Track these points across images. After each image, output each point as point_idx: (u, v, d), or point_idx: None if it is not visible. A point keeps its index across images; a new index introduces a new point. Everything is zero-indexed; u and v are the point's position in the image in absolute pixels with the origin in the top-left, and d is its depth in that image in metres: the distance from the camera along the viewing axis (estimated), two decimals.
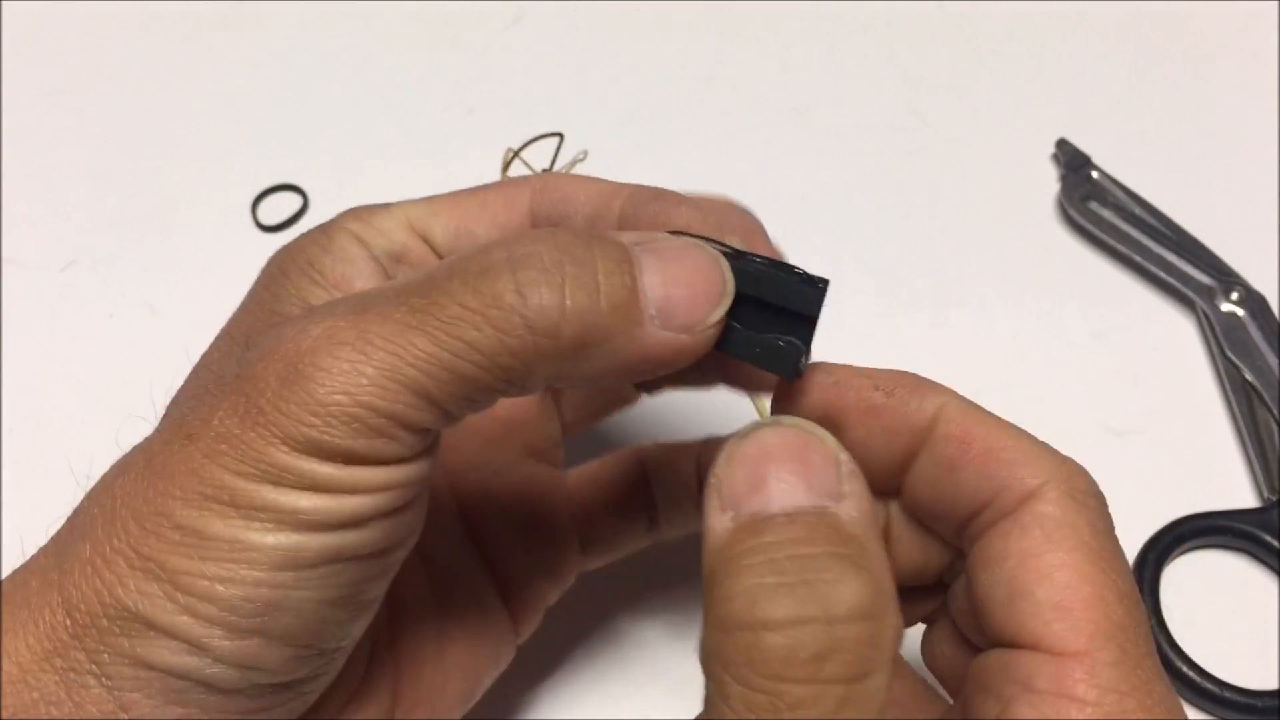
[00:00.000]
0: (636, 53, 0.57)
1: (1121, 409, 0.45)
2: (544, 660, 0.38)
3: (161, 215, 0.52)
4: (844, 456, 0.23)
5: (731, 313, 0.26)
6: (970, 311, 0.48)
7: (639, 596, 0.40)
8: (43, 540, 0.26)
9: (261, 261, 0.52)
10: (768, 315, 0.26)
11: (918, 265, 0.49)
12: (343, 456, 0.23)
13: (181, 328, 0.48)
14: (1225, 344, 0.45)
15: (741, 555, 0.22)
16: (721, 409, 0.33)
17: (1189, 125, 0.53)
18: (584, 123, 0.54)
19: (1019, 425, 0.26)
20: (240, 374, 0.24)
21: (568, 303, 0.23)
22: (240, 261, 0.51)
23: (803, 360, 0.26)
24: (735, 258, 0.26)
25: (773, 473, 0.23)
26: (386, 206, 0.30)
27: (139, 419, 0.29)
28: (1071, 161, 0.51)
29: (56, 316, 0.49)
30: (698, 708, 0.22)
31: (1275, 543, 0.40)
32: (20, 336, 0.48)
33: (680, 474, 0.35)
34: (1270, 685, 0.38)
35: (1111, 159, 0.51)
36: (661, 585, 0.40)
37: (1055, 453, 0.25)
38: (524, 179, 0.31)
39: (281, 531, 0.23)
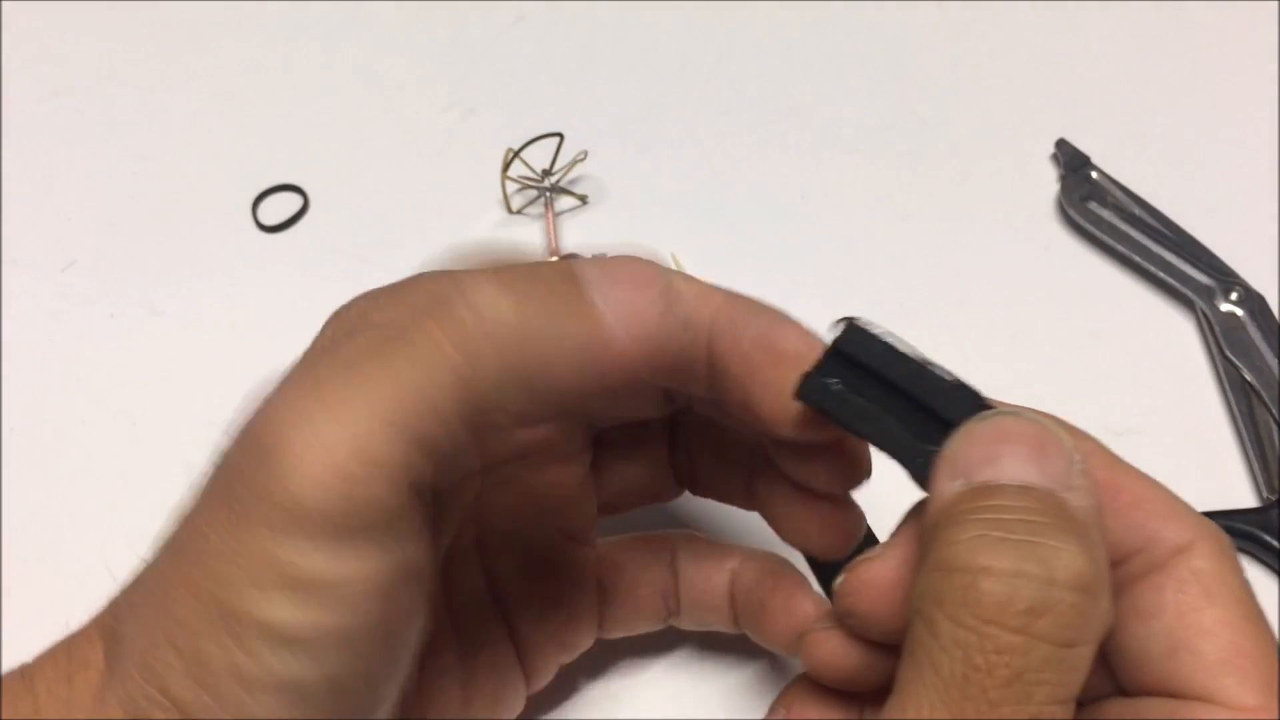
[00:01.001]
0: (636, 53, 0.57)
1: (1121, 409, 0.45)
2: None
3: (162, 215, 0.52)
4: (1077, 456, 0.24)
5: (880, 401, 0.26)
6: (969, 311, 0.48)
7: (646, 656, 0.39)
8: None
9: (263, 261, 0.53)
10: (922, 418, 0.26)
11: (917, 265, 0.49)
12: (341, 525, 0.22)
13: (182, 328, 0.49)
14: (1225, 344, 0.45)
15: (970, 510, 0.22)
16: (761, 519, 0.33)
17: (1189, 125, 0.53)
18: (584, 123, 0.54)
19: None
20: (217, 471, 0.23)
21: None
22: (240, 261, 0.51)
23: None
24: (887, 350, 0.26)
25: (1008, 451, 0.23)
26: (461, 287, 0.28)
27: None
28: (1071, 162, 0.51)
29: (57, 317, 0.49)
30: None
31: (1275, 543, 0.40)
32: (20, 336, 0.48)
33: (708, 580, 0.34)
34: None
35: (1111, 159, 0.51)
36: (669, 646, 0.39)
37: (1195, 510, 0.26)
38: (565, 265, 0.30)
39: (279, 653, 0.22)
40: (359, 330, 0.24)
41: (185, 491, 0.28)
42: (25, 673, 0.25)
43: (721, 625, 0.35)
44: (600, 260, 0.26)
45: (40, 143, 0.55)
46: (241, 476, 0.22)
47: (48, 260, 0.51)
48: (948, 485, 0.23)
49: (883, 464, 0.28)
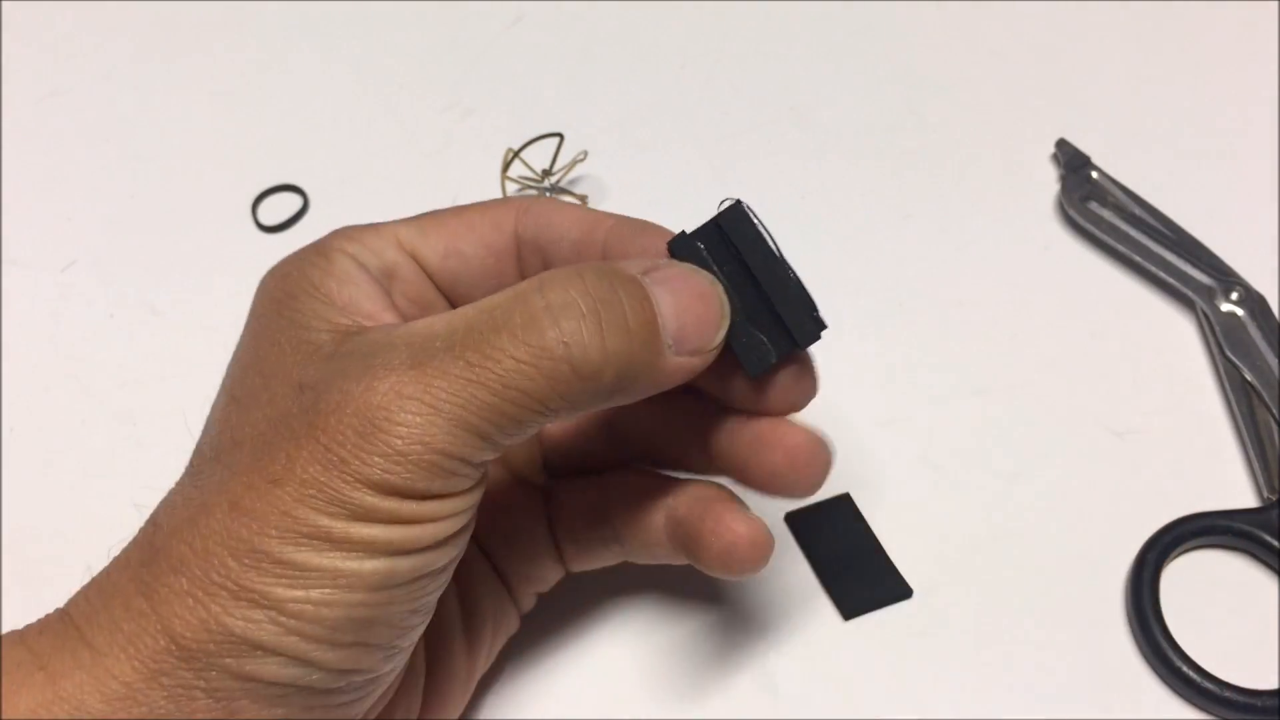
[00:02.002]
0: (636, 53, 0.57)
1: (1121, 409, 0.45)
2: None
3: (162, 215, 0.52)
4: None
5: (734, 280, 0.30)
6: (969, 312, 0.48)
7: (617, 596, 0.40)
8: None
9: (263, 261, 0.52)
10: (761, 310, 0.30)
11: (917, 265, 0.49)
12: (420, 495, 0.26)
13: (183, 327, 0.49)
14: (1225, 344, 0.45)
15: None
16: None
17: (1189, 125, 0.53)
18: (584, 123, 0.54)
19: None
20: (313, 423, 0.26)
21: (607, 347, 0.27)
22: (241, 261, 0.51)
23: (769, 366, 0.30)
24: (768, 252, 0.30)
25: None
26: (375, 227, 0.32)
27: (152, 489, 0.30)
28: (1071, 162, 0.51)
29: (57, 317, 0.49)
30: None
31: (1275, 543, 0.40)
32: (20, 337, 0.48)
33: (644, 517, 0.35)
34: (1270, 685, 0.38)
35: (1111, 159, 0.51)
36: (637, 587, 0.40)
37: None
38: (506, 201, 0.34)
39: (376, 558, 0.26)
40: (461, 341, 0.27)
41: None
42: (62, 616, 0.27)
43: (667, 558, 0.35)
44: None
45: (40, 143, 0.55)
46: (344, 442, 0.26)
47: (48, 260, 0.51)
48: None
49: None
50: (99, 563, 0.41)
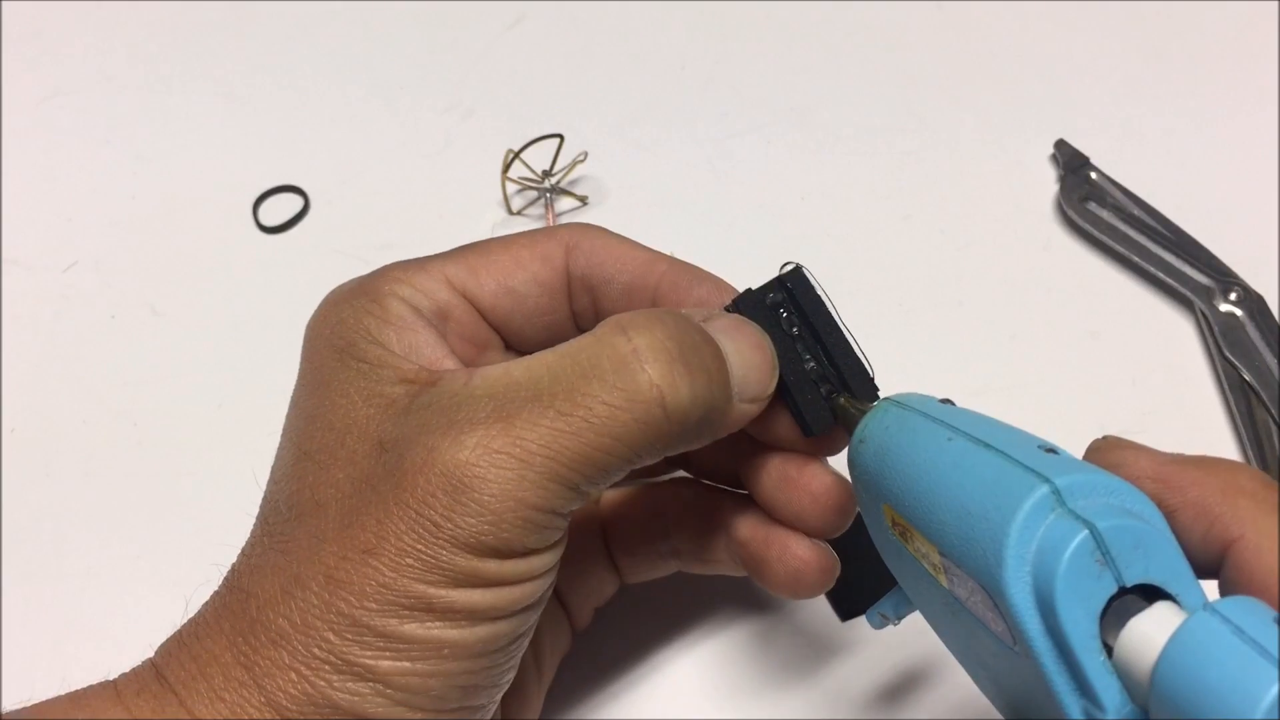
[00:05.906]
0: (636, 53, 0.57)
1: (1120, 409, 0.45)
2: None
3: (163, 216, 0.52)
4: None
5: (791, 337, 0.31)
6: (969, 312, 0.48)
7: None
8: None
9: (264, 261, 0.52)
10: (812, 372, 0.31)
11: (917, 266, 0.49)
12: (515, 553, 0.26)
13: (182, 327, 0.49)
14: (1224, 344, 0.45)
15: None
16: None
17: (1188, 125, 0.53)
18: (584, 123, 0.54)
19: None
20: (400, 484, 0.26)
21: (695, 390, 0.27)
22: (241, 262, 0.51)
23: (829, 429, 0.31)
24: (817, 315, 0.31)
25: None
26: (422, 264, 0.32)
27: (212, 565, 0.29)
28: (1070, 162, 0.51)
29: (58, 317, 0.49)
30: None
31: None
32: (22, 337, 0.48)
33: (702, 534, 0.35)
34: None
35: (1110, 159, 0.51)
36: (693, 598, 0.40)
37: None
38: (553, 232, 0.33)
39: (479, 625, 0.26)
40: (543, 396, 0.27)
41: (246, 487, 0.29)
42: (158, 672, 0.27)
43: (725, 571, 0.35)
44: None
45: (40, 143, 0.55)
46: (434, 504, 0.25)
47: (49, 260, 0.51)
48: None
49: None
50: (97, 563, 0.42)
